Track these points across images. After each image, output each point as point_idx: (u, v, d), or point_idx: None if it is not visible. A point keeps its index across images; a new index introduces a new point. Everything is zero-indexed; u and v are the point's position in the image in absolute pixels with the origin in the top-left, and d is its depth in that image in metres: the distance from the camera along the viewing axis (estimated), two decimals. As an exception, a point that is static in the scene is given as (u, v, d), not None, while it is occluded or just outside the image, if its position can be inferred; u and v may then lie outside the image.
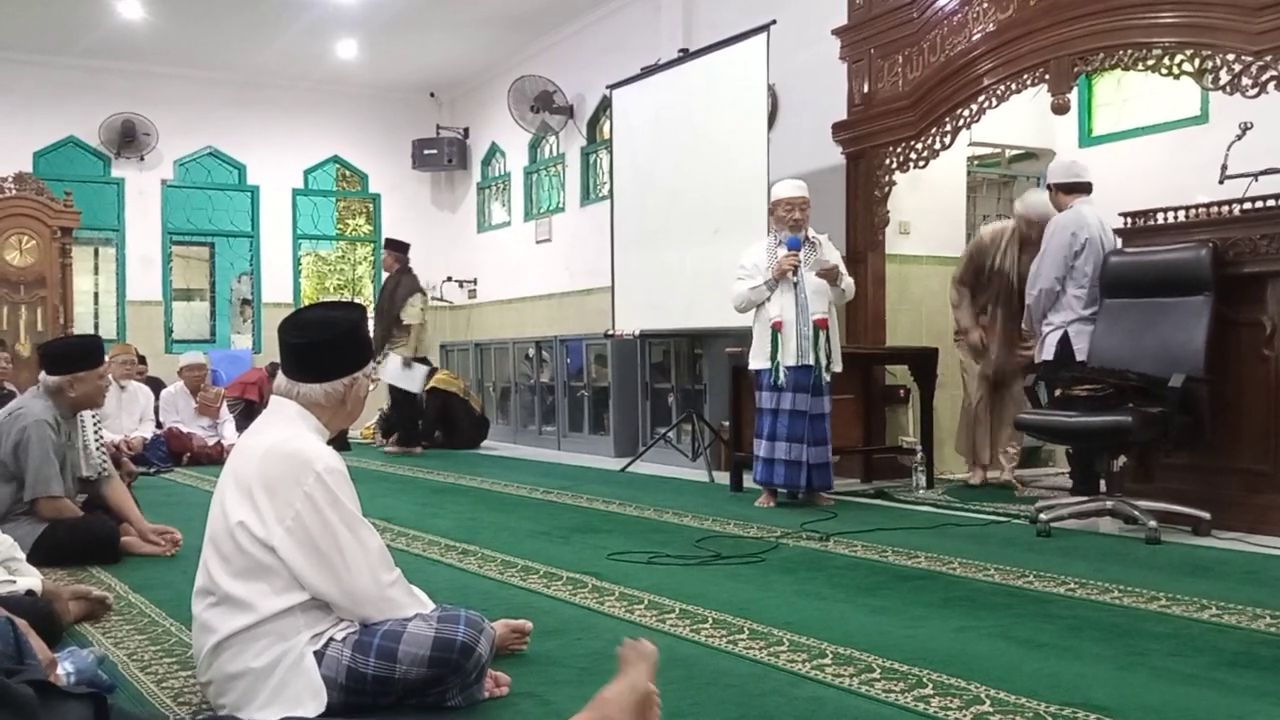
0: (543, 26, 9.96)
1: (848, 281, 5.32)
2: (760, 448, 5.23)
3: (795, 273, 5.13)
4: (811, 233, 5.29)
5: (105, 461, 4.29)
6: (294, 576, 2.08)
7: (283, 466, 2.10)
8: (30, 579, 2.80)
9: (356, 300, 13.41)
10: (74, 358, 3.97)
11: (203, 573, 2.15)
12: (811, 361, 5.10)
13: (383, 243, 9.69)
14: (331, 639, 2.10)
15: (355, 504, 2.15)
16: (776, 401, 5.15)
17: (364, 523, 2.16)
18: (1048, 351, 4.88)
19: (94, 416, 4.29)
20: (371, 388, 2.39)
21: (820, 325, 5.12)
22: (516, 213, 11.23)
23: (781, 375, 5.11)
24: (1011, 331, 5.71)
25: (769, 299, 5.20)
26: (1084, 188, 4.92)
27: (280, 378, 2.28)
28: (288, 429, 2.19)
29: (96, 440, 4.28)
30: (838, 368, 5.22)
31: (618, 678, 1.90)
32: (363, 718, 2.10)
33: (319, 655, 2.07)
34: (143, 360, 9.01)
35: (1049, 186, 5.07)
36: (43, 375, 4.02)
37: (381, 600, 2.14)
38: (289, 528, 2.07)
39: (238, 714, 2.05)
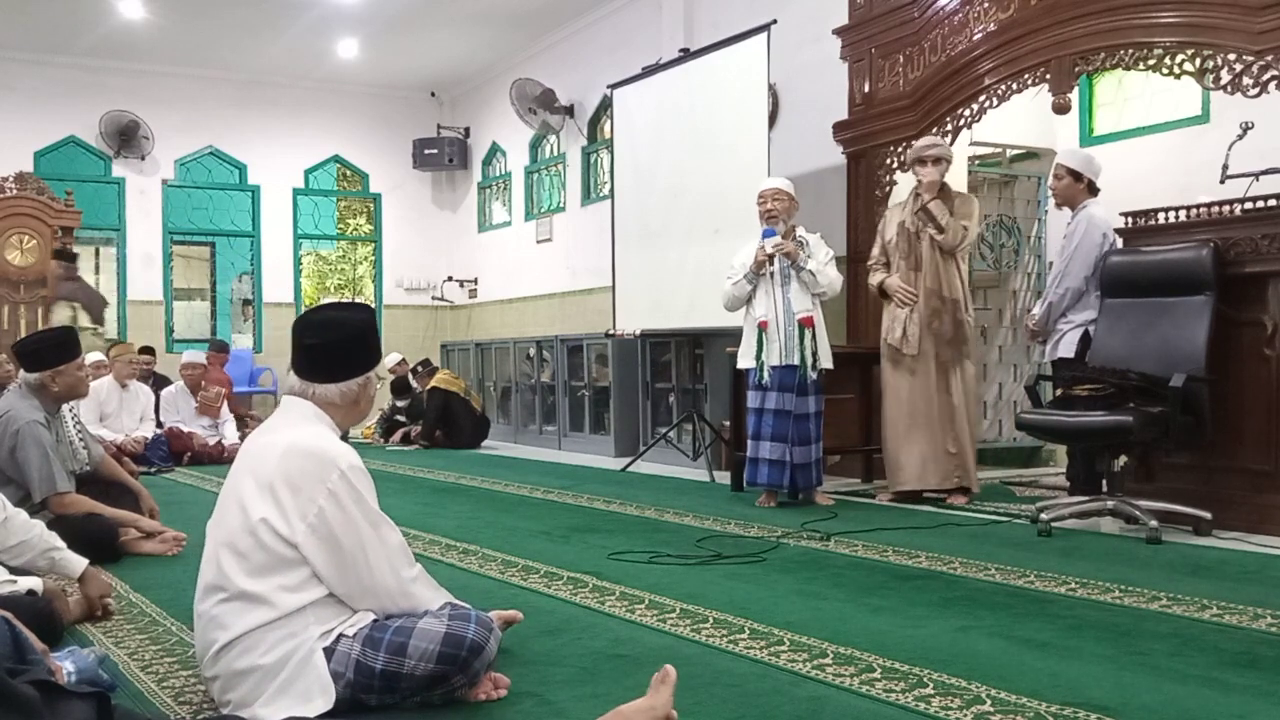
0: (544, 26, 9.96)
1: (824, 271, 5.11)
2: (748, 447, 5.24)
3: (773, 261, 5.13)
4: (801, 231, 5.28)
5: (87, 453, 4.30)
6: (315, 572, 2.10)
7: (306, 464, 2.12)
8: (30, 579, 2.79)
9: (358, 300, 13.43)
10: (52, 352, 3.95)
11: (212, 569, 2.15)
12: (796, 361, 5.09)
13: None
14: (341, 635, 2.11)
15: (375, 501, 2.18)
16: (762, 401, 5.15)
17: (385, 519, 2.19)
18: (1065, 349, 4.84)
19: (71, 410, 4.28)
20: (379, 386, 2.42)
21: (805, 324, 5.11)
22: (517, 212, 11.23)
23: (766, 374, 5.11)
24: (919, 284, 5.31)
25: (753, 295, 5.22)
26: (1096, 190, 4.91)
27: (293, 378, 2.29)
28: (305, 428, 2.21)
29: (76, 433, 4.27)
30: (827, 365, 5.19)
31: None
32: (366, 717, 2.10)
33: (328, 652, 2.08)
34: (150, 351, 9.03)
35: (1068, 170, 4.87)
36: (22, 373, 4.01)
37: (402, 595, 2.19)
38: (312, 524, 2.08)
39: (242, 710, 2.05)
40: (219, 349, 9.71)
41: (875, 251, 5.54)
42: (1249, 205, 4.30)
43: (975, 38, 5.72)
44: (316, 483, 2.10)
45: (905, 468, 5.28)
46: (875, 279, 5.47)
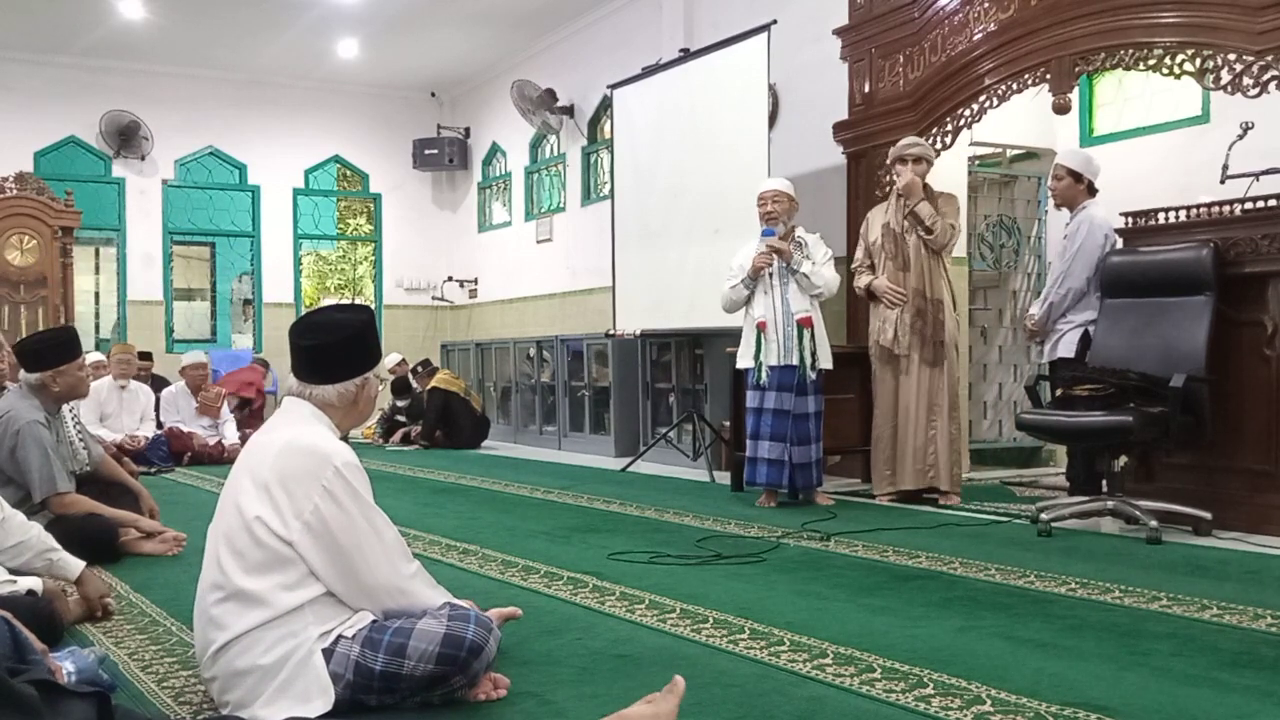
0: (544, 26, 9.96)
1: (818, 272, 5.11)
2: (747, 446, 5.24)
3: (774, 266, 5.14)
4: (801, 231, 5.29)
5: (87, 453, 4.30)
6: (311, 570, 2.10)
7: (301, 462, 2.12)
8: (30, 579, 2.80)
9: (358, 300, 13.45)
10: (53, 352, 3.95)
11: (213, 568, 2.15)
12: (795, 361, 5.10)
13: None
14: (341, 636, 2.10)
15: (372, 498, 2.18)
16: (761, 400, 5.16)
17: (381, 515, 2.20)
18: (1065, 349, 4.85)
19: (71, 410, 4.27)
20: (381, 387, 2.42)
21: (804, 324, 5.12)
22: (517, 212, 11.23)
23: (764, 374, 5.12)
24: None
25: (752, 295, 5.22)
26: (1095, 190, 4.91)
27: (291, 379, 2.30)
28: (303, 427, 2.21)
29: (76, 433, 4.27)
30: (826, 365, 5.20)
31: (645, 702, 1.94)
32: (366, 717, 2.10)
33: (327, 653, 2.08)
34: (149, 358, 9.02)
35: (1068, 170, 4.89)
36: (23, 374, 4.01)
37: (400, 592, 2.19)
38: (307, 522, 2.09)
39: (242, 711, 2.05)
40: (263, 365, 10.00)
41: (859, 254, 5.54)
42: (1249, 205, 4.30)
43: (975, 38, 5.72)
44: (312, 480, 2.10)
45: (899, 468, 5.30)
46: (862, 281, 5.48)
